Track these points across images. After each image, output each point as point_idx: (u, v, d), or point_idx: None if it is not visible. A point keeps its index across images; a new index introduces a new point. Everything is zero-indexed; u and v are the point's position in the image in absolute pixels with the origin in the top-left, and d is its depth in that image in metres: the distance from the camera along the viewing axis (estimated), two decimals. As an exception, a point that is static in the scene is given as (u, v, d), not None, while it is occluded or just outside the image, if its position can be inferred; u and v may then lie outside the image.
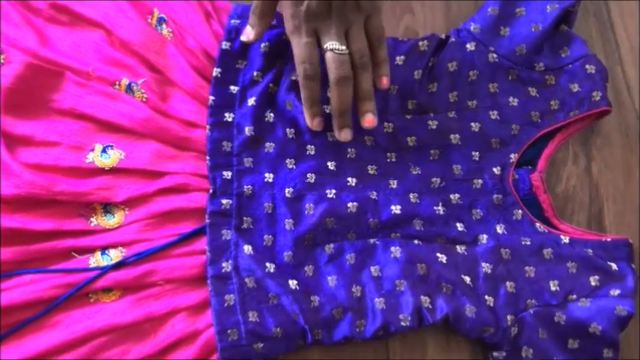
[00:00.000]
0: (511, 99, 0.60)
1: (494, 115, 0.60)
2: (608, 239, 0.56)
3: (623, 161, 0.63)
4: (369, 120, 0.54)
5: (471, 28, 0.61)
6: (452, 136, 0.59)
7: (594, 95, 0.60)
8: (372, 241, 0.55)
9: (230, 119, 0.57)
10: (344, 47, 0.51)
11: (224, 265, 0.52)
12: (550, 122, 0.60)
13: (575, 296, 0.54)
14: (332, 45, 0.51)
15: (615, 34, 0.67)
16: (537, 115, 0.60)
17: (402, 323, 0.51)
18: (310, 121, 0.55)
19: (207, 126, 0.56)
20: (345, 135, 0.55)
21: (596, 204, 0.61)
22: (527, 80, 0.61)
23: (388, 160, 0.58)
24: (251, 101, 0.57)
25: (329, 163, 0.57)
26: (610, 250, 0.56)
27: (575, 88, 0.60)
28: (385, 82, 0.55)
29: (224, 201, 0.54)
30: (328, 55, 0.52)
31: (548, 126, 0.60)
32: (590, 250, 0.55)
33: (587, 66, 0.60)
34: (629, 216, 0.61)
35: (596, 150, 0.63)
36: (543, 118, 0.60)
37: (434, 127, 0.59)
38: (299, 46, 0.52)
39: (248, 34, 0.56)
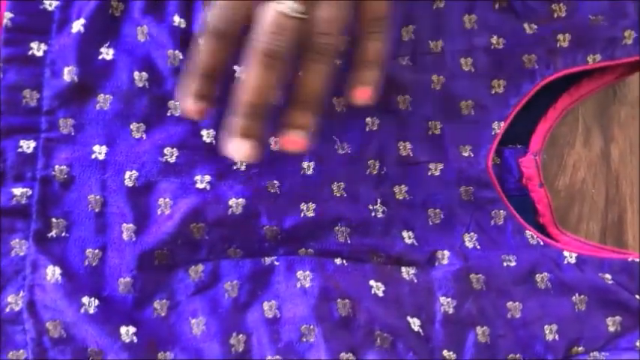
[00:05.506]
0: (495, 39, 0.47)
1: (467, 64, 0.47)
2: (636, 259, 0.46)
3: (656, 143, 0.52)
4: (295, 142, 0.37)
5: None
6: (399, 98, 0.45)
7: (626, 37, 0.47)
8: (267, 260, 0.42)
9: (40, 53, 0.42)
10: (300, 8, 0.34)
11: (10, 300, 0.39)
12: (553, 69, 0.47)
13: (582, 348, 0.44)
14: (282, 3, 0.34)
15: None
16: (533, 59, 0.47)
17: (311, 397, 0.38)
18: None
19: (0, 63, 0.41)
20: (239, 149, 0.35)
21: (616, 206, 0.52)
22: (523, 12, 0.47)
23: None
24: (77, 25, 0.41)
25: (204, 132, 0.42)
26: (638, 276, 0.45)
27: (598, 21, 0.47)
28: (363, 95, 0.38)
29: (18, 190, 0.40)
30: (268, 14, 0.34)
31: (550, 75, 0.47)
32: (608, 276, 0.45)
33: (618, -7, 0.48)
34: (662, 224, 0.50)
35: (618, 127, 0.53)
36: (543, 63, 0.47)
37: None
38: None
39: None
